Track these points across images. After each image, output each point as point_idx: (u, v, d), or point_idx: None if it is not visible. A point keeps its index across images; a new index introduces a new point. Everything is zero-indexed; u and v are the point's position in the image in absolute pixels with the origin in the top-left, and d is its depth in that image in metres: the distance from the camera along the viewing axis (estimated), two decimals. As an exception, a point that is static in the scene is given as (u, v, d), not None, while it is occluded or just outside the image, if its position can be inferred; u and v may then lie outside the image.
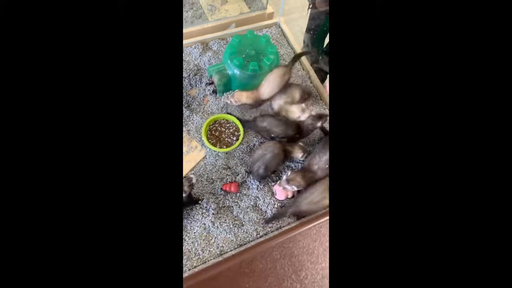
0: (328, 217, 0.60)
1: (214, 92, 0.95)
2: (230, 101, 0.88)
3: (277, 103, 0.89)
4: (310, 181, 0.77)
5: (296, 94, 0.91)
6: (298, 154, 0.82)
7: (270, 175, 0.83)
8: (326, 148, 0.80)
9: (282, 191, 0.79)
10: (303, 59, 1.06)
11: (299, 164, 0.86)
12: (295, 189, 0.75)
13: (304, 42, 1.36)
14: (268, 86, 0.88)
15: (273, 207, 0.80)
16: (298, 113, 0.85)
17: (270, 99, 0.90)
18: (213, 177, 0.82)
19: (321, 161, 0.78)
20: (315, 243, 0.52)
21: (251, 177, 0.83)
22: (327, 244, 0.55)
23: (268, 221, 0.78)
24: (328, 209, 0.64)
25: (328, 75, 1.34)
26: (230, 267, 0.50)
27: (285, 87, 0.91)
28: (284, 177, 0.76)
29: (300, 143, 0.84)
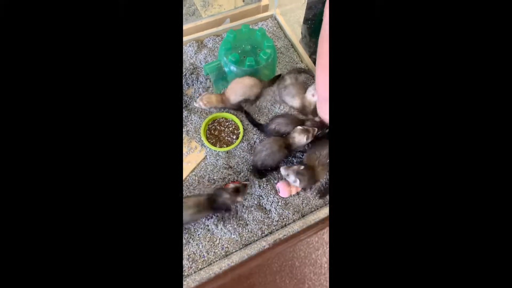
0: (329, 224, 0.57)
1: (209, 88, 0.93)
2: (199, 105, 0.85)
3: (296, 102, 0.87)
4: (313, 178, 0.75)
5: (292, 79, 0.89)
6: (302, 139, 0.76)
7: (271, 172, 0.81)
8: (323, 143, 0.78)
9: (286, 188, 0.78)
10: (301, 50, 1.03)
11: (300, 160, 0.84)
12: (298, 183, 0.73)
13: (302, 33, 1.32)
14: (234, 92, 0.86)
15: (277, 205, 0.79)
16: (311, 91, 0.84)
17: (288, 100, 0.89)
18: (215, 177, 0.81)
19: (321, 156, 0.76)
20: (317, 251, 0.50)
21: (252, 176, 0.81)
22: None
23: (322, 196, 0.79)
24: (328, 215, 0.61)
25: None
26: (227, 283, 0.48)
27: (281, 82, 0.88)
28: (295, 167, 0.72)
29: (299, 127, 0.78)
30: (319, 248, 0.51)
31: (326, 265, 0.49)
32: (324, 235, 0.53)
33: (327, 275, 0.48)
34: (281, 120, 0.82)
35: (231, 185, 0.72)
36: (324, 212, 0.79)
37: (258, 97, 0.89)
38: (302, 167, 0.73)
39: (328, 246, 0.51)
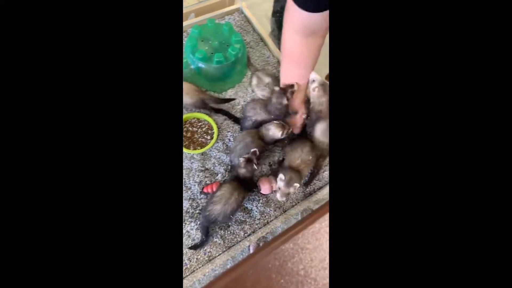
0: (311, 224, 0.56)
1: None
2: None
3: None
4: (299, 174, 0.74)
5: (266, 79, 0.86)
6: (277, 133, 0.75)
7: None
8: (303, 140, 0.77)
9: (266, 185, 0.76)
10: (271, 44, 1.01)
11: (277, 154, 0.83)
12: (297, 186, 0.72)
13: (271, 27, 1.30)
14: None
15: (258, 203, 0.77)
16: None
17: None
18: (190, 181, 0.78)
19: (303, 153, 0.74)
20: (293, 259, 0.48)
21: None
22: (317, 254, 0.51)
23: (306, 184, 0.81)
24: (305, 215, 0.60)
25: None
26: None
27: (259, 82, 0.86)
28: (282, 183, 0.71)
29: (275, 121, 0.77)
30: (294, 255, 0.49)
31: (303, 272, 0.47)
32: (299, 240, 0.51)
33: (304, 282, 0.47)
34: (251, 104, 0.80)
35: (241, 159, 0.72)
36: (305, 205, 0.79)
37: (195, 106, 0.83)
38: (283, 176, 0.71)
39: (303, 252, 0.49)
